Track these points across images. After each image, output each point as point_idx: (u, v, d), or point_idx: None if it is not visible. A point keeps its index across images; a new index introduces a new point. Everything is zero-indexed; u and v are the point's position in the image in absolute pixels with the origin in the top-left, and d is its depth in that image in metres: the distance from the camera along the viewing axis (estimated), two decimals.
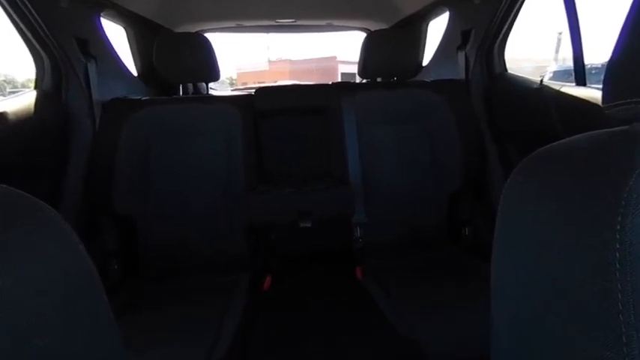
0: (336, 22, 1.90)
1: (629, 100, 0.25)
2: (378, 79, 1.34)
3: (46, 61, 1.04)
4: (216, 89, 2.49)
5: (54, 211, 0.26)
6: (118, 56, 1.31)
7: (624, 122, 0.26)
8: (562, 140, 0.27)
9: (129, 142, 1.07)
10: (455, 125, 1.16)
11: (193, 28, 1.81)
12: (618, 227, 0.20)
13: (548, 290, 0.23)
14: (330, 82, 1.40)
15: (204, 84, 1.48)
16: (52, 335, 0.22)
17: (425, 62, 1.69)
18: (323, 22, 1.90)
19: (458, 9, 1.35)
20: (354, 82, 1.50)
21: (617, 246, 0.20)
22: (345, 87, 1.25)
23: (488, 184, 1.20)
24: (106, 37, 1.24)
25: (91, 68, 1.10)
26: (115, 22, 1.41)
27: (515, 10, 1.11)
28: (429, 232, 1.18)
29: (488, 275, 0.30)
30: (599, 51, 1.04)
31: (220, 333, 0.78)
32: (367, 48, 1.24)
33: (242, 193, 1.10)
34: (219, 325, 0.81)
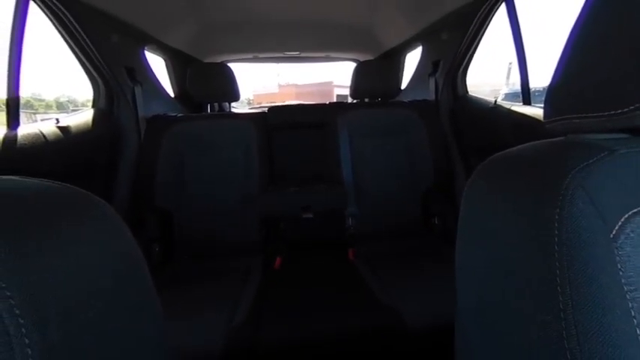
0: (332, 54, 1.91)
1: (564, 117, 0.25)
2: (366, 100, 1.34)
3: (101, 86, 1.04)
4: (237, 107, 2.49)
5: (108, 205, 0.26)
6: (158, 81, 1.31)
7: (561, 134, 0.26)
8: (512, 148, 0.27)
9: (167, 151, 1.07)
10: (427, 138, 1.16)
11: (218, 59, 1.82)
12: (557, 217, 0.20)
13: (502, 271, 0.23)
14: (328, 102, 1.40)
15: (227, 103, 1.48)
16: (103, 307, 0.22)
17: (403, 86, 1.70)
18: (322, 54, 1.90)
19: (429, 43, 1.36)
20: (347, 102, 1.50)
21: (556, 232, 0.20)
22: (339, 106, 1.25)
23: (454, 185, 1.20)
24: (149, 65, 1.24)
25: (137, 91, 1.10)
26: (155, 54, 1.41)
27: (474, 44, 1.11)
28: (408, 222, 1.18)
29: (452, 259, 0.30)
30: (540, 77, 1.04)
31: (240, 303, 0.78)
32: (357, 75, 1.24)
33: (257, 192, 1.09)
34: (239, 297, 0.81)
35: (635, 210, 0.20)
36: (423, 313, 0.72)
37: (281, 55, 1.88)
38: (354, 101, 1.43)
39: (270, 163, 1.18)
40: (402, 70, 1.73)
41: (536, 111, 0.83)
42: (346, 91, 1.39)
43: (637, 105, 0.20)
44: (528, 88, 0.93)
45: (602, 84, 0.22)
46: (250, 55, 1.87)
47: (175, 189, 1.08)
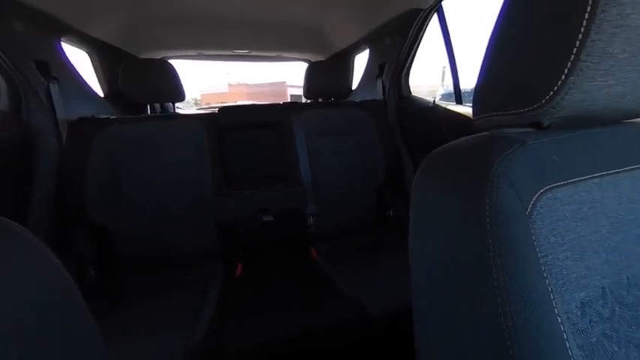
0: (283, 54, 1.89)
1: (487, 114, 0.29)
2: (319, 100, 1.35)
3: (2, 83, 0.85)
4: (182, 108, 2.29)
5: (19, 225, 0.22)
6: (82, 78, 1.13)
7: (487, 129, 0.30)
8: (449, 143, 0.30)
9: (98, 157, 0.94)
10: (377, 136, 1.22)
11: (157, 55, 1.64)
12: (487, 201, 0.23)
13: (449, 253, 0.26)
14: (282, 102, 1.38)
15: (170, 104, 1.36)
16: (28, 343, 0.18)
17: (354, 87, 1.76)
18: (273, 54, 1.87)
19: (375, 47, 1.43)
20: (301, 102, 1.50)
21: (488, 214, 0.23)
22: (294, 106, 1.24)
23: (403, 178, 1.29)
24: (68, 60, 1.06)
25: (54, 89, 0.93)
26: (77, 47, 1.21)
27: (414, 49, 1.22)
28: (365, 216, 1.23)
29: (407, 247, 0.32)
30: (469, 80, 1.18)
31: (198, 319, 0.72)
32: (309, 75, 1.24)
33: (211, 195, 1.03)
34: (197, 313, 0.75)
35: (542, 190, 0.24)
36: (384, 300, 0.77)
37: (230, 52, 1.78)
38: (308, 101, 1.44)
39: (223, 165, 1.11)
40: (352, 72, 1.79)
41: (467, 109, 0.95)
42: (300, 92, 1.39)
43: (538, 104, 0.24)
44: (459, 90, 1.05)
45: (515, 84, 0.25)
46: (194, 52, 1.74)
47: (112, 200, 0.95)
